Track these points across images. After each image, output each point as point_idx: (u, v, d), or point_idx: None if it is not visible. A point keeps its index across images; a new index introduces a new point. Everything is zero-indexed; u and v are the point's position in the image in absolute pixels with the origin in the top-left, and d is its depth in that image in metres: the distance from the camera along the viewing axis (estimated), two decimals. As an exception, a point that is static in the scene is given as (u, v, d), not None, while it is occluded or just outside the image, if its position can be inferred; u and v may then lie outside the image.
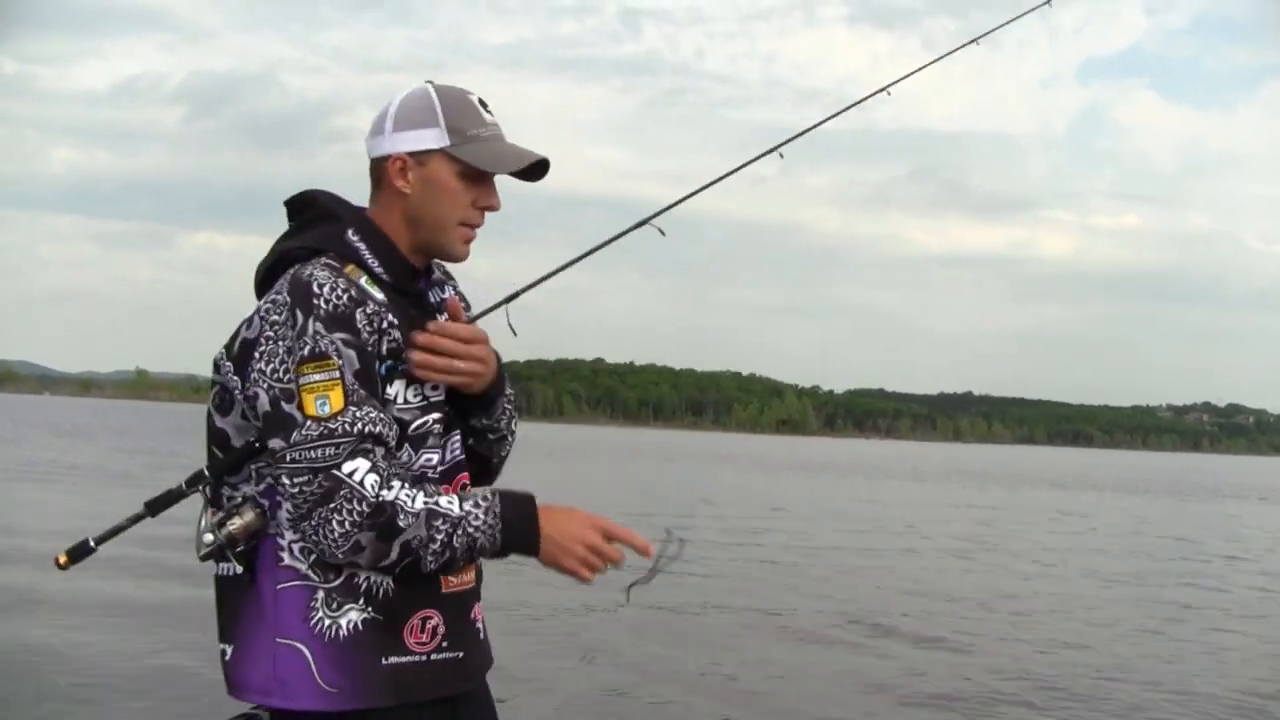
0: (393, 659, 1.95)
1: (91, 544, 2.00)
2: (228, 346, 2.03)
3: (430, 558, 1.89)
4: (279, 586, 1.95)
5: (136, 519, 2.03)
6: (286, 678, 1.93)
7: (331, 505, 1.84)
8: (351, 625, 1.94)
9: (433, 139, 2.02)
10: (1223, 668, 8.96)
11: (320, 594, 1.94)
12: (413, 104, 2.04)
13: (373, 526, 1.84)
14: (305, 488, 1.85)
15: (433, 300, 2.14)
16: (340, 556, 1.87)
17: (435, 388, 2.04)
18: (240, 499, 1.99)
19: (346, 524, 1.83)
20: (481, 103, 2.08)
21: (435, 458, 2.04)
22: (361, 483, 1.85)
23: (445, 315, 2.09)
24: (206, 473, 2.01)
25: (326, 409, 1.86)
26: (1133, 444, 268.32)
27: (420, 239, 2.07)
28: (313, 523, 1.85)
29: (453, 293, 2.19)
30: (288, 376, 1.89)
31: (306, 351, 1.88)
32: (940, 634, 9.63)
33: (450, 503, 1.91)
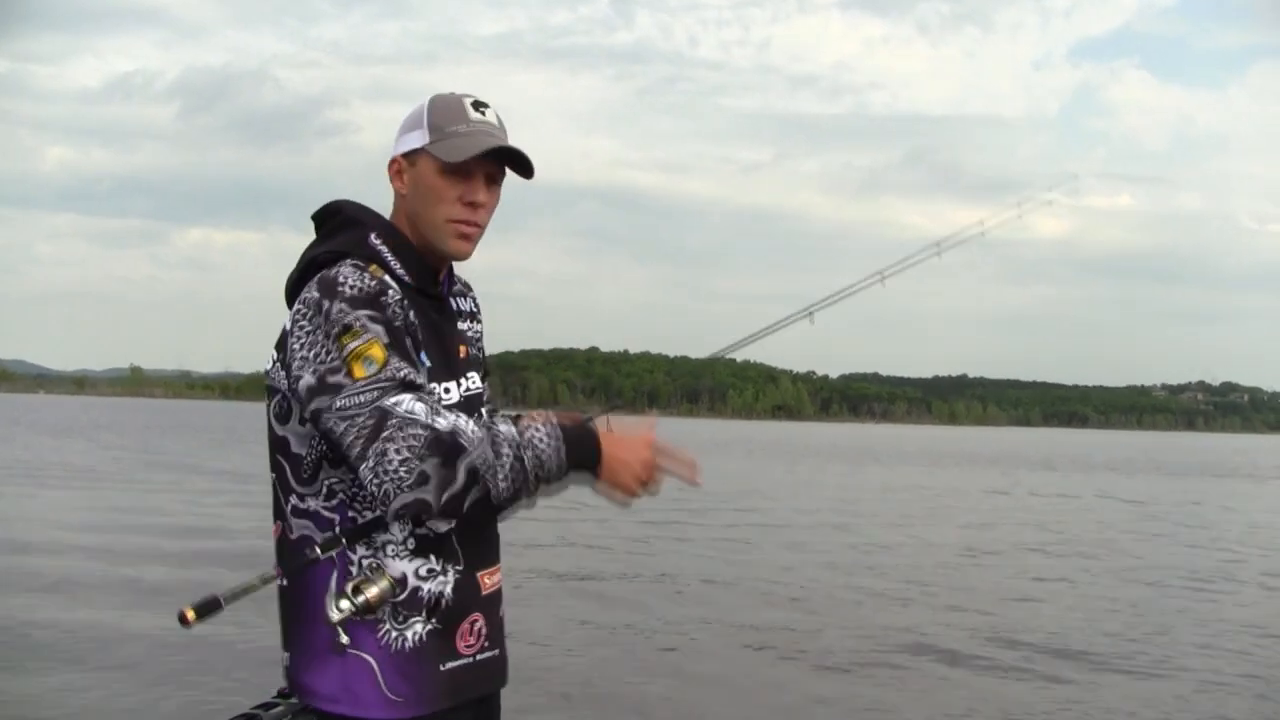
0: (449, 664, 2.04)
1: (221, 602, 1.97)
2: (277, 346, 2.05)
3: (502, 480, 1.87)
4: None
5: (268, 580, 2.04)
6: (356, 688, 1.99)
7: (385, 435, 1.84)
8: (416, 637, 2.00)
9: (417, 139, 2.09)
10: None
11: (387, 608, 1.98)
12: (412, 112, 2.13)
13: (435, 451, 1.83)
14: (354, 425, 1.86)
15: (456, 308, 2.21)
16: (407, 491, 1.83)
17: (447, 390, 2.09)
18: (375, 564, 1.99)
19: (405, 451, 1.83)
20: (476, 104, 2.12)
21: None
22: (411, 410, 1.86)
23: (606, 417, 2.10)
24: (341, 538, 2.00)
25: (373, 367, 1.89)
26: (1128, 424, 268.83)
27: (421, 238, 2.12)
28: (370, 463, 1.84)
29: (474, 305, 2.28)
30: (330, 356, 1.92)
31: (338, 328, 1.92)
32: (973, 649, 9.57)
33: (508, 426, 1.92)
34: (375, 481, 1.84)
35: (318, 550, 1.97)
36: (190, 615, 1.92)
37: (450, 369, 2.11)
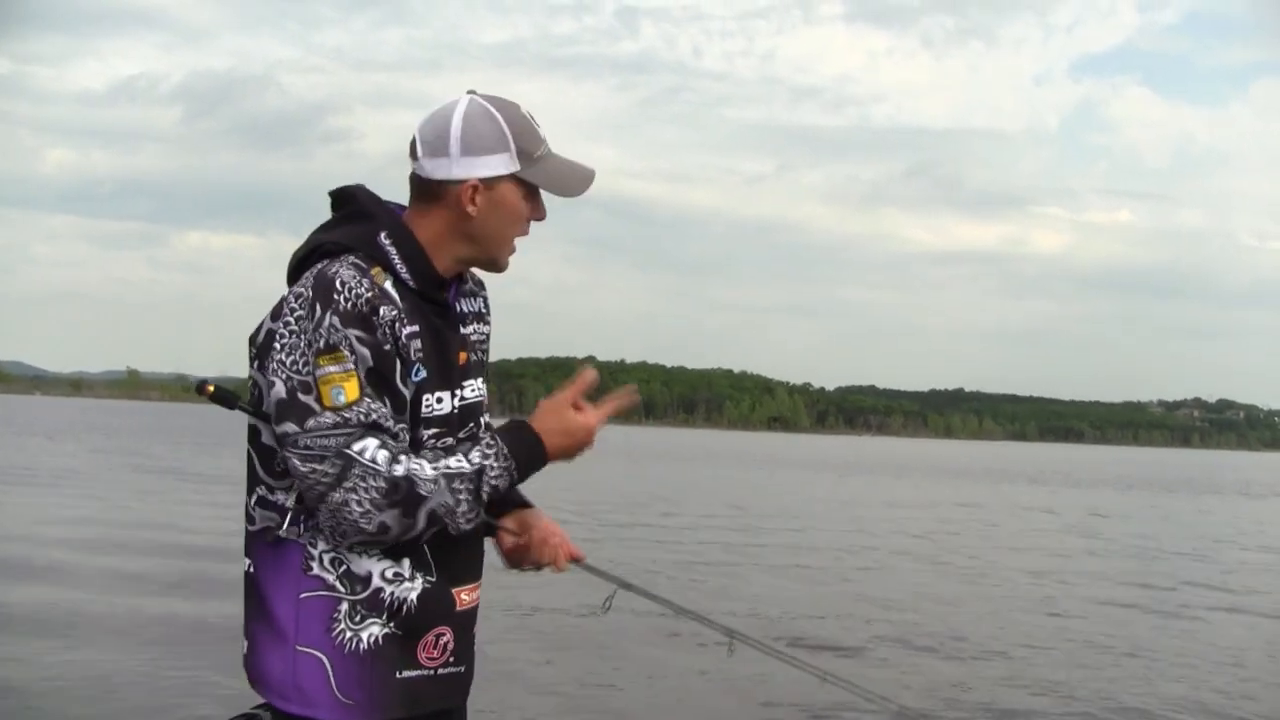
0: (406, 673, 2.00)
1: (235, 401, 2.01)
2: (252, 337, 2.02)
3: (460, 518, 1.93)
4: (302, 595, 1.97)
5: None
6: (305, 686, 1.96)
7: (347, 485, 1.87)
8: (372, 639, 1.97)
9: (503, 164, 2.03)
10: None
11: (344, 606, 1.96)
12: (479, 127, 2.03)
13: (393, 504, 1.88)
14: (318, 469, 1.88)
15: (461, 310, 2.16)
16: (367, 537, 1.91)
17: (440, 400, 2.07)
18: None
19: (365, 504, 1.87)
20: (530, 115, 2.08)
21: None
22: (374, 459, 1.88)
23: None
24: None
25: (342, 399, 1.90)
26: (1123, 440, 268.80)
27: (473, 254, 2.09)
28: (329, 506, 1.88)
29: (484, 305, 2.23)
30: (306, 369, 1.91)
31: (323, 344, 1.91)
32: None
33: (460, 461, 1.94)
34: (333, 524, 1.92)
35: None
36: (210, 388, 2.01)
37: (447, 378, 2.07)
